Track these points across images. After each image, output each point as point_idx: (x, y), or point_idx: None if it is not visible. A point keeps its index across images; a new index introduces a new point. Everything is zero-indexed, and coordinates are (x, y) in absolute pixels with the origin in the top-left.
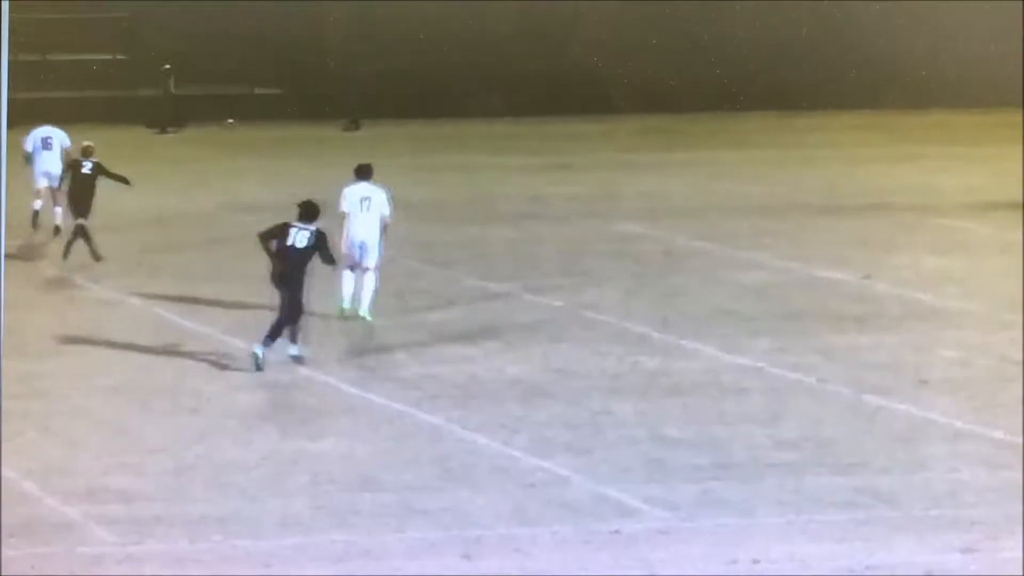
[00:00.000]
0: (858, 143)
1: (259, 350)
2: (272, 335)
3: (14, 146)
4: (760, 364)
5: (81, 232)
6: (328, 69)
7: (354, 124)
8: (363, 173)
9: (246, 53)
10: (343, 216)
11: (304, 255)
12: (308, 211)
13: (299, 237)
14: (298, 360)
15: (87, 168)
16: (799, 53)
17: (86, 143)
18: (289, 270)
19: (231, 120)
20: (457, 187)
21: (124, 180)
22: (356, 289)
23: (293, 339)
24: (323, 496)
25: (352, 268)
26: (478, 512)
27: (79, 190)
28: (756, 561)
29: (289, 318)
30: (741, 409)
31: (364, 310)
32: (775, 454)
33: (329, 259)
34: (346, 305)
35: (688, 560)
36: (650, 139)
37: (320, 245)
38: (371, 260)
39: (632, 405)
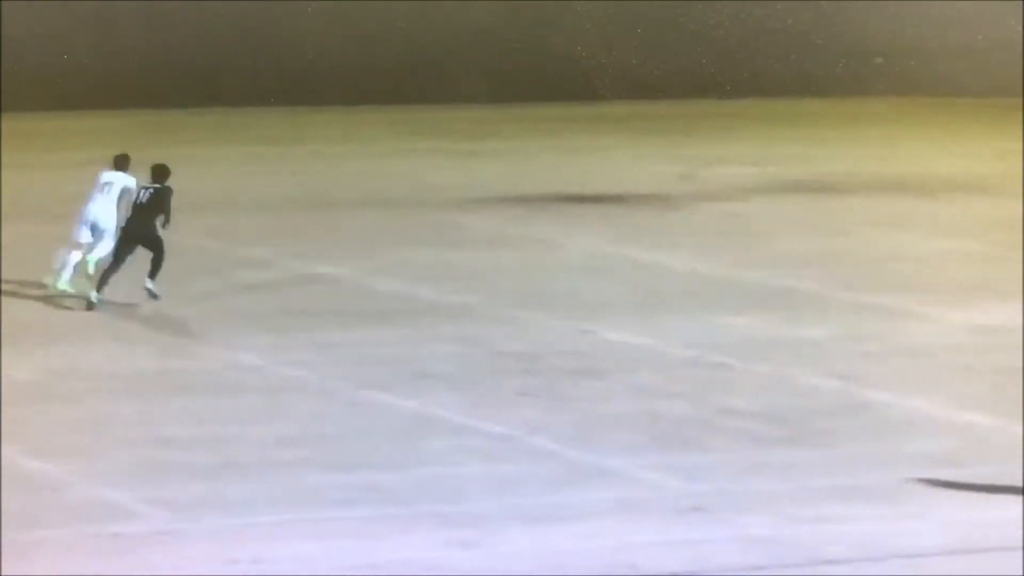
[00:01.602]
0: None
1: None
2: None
3: None
4: (261, 362)
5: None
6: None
7: None
8: (119, 163)
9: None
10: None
11: (150, 210)
12: (157, 172)
13: (145, 195)
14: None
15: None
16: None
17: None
18: (138, 223)
19: None
20: None
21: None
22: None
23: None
24: None
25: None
26: None
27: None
28: (257, 560)
29: (156, 258)
30: (242, 407)
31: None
32: (276, 452)
33: (165, 218)
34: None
35: (189, 561)
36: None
37: (162, 200)
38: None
39: (132, 406)
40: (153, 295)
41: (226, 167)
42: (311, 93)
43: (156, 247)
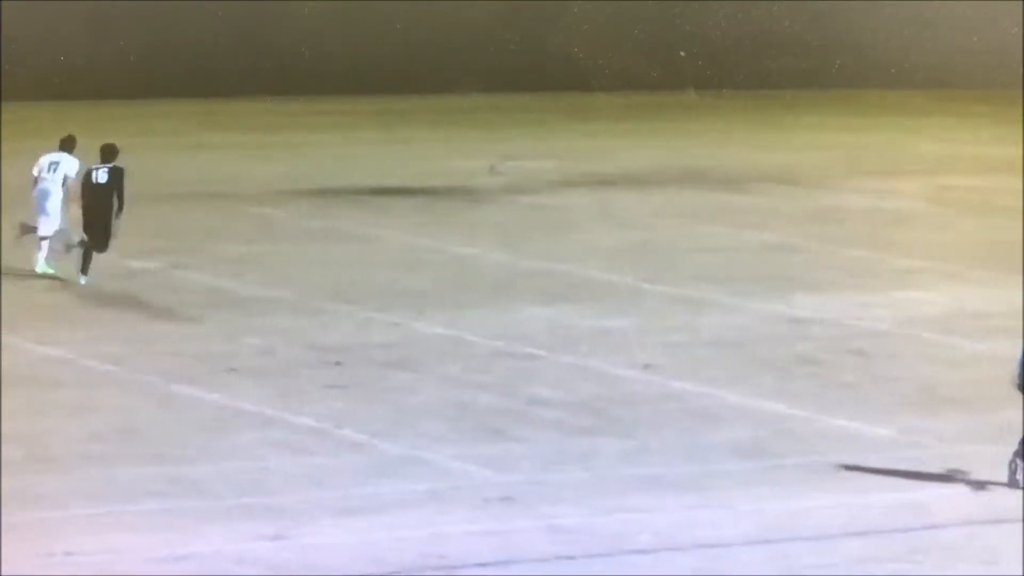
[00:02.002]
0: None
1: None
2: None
3: None
4: (71, 355)
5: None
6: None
7: None
8: (65, 144)
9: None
10: (34, 179)
11: (105, 190)
12: (107, 152)
13: (99, 174)
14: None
15: (101, 175)
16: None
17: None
18: (99, 204)
19: None
20: None
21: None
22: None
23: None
24: None
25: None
26: None
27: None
28: (70, 554)
29: (95, 246)
30: (54, 401)
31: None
32: (88, 446)
33: (119, 197)
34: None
35: (2, 555)
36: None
37: (115, 180)
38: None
39: None
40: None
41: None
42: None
43: (105, 230)
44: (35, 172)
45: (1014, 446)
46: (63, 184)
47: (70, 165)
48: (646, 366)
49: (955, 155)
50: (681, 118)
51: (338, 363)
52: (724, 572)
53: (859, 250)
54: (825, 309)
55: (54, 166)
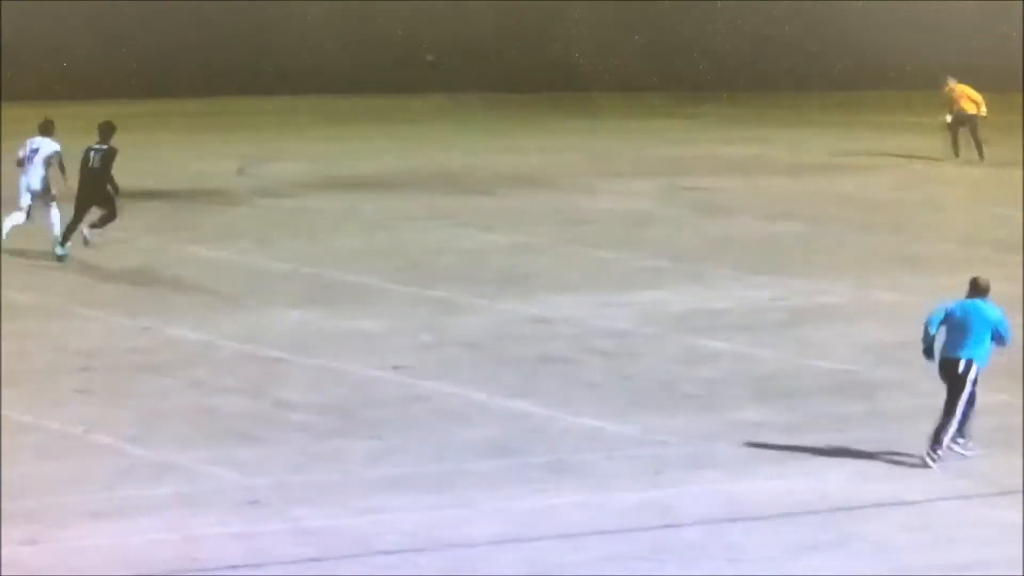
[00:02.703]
0: None
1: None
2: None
3: None
4: None
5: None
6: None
7: None
8: (44, 129)
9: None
10: (19, 163)
11: (101, 173)
12: (104, 131)
13: (95, 158)
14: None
15: (96, 158)
16: None
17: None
18: (94, 184)
19: None
20: None
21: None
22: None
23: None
24: None
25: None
26: None
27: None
28: None
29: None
30: None
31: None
32: None
33: (109, 178)
34: None
35: None
36: None
37: (106, 161)
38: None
39: None
40: (86, 241)
41: None
42: None
43: (109, 205)
44: (20, 154)
45: (757, 441)
46: (44, 164)
47: (51, 148)
48: (394, 367)
49: (695, 156)
50: (430, 121)
51: (87, 368)
52: (471, 572)
53: (603, 251)
54: (570, 309)
55: (35, 152)
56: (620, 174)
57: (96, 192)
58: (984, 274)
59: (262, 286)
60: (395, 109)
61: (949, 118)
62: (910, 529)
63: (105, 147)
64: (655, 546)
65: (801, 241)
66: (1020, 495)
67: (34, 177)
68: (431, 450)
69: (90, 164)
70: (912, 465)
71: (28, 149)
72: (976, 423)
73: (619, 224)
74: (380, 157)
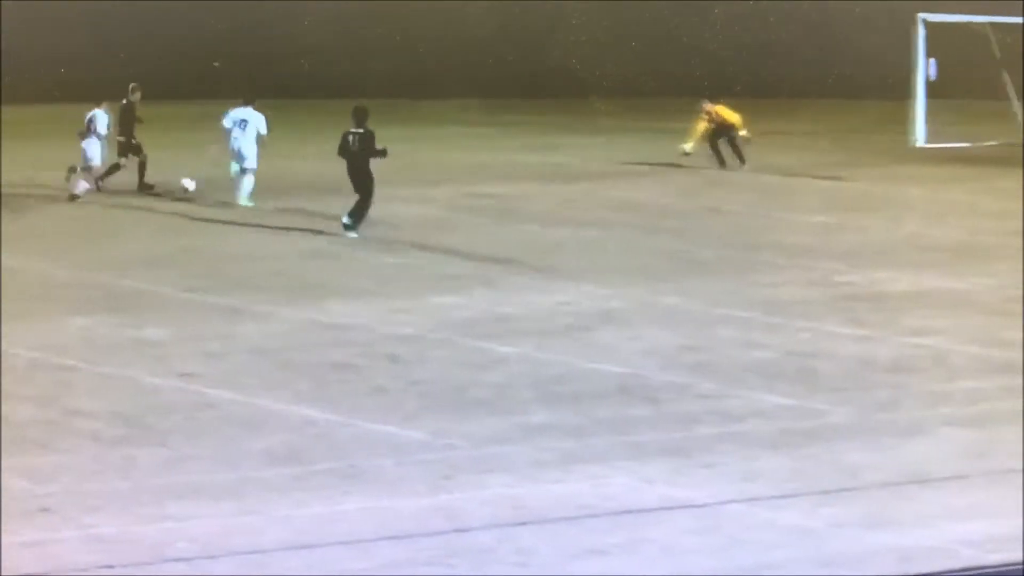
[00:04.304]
0: None
1: (347, 220)
2: (356, 216)
3: None
4: None
5: None
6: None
7: None
8: (246, 101)
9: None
10: (224, 130)
11: (362, 155)
12: (358, 115)
13: (354, 140)
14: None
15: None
16: None
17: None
18: (357, 167)
19: None
20: None
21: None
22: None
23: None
24: None
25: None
26: None
27: None
28: None
29: (363, 202)
30: None
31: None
32: None
33: (376, 153)
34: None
35: None
36: None
37: (367, 143)
38: (249, 164)
39: None
40: (348, 227)
41: None
42: None
43: (366, 190)
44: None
45: (544, 445)
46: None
47: (255, 119)
48: (183, 375)
49: (488, 164)
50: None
51: None
52: None
53: (395, 256)
54: (360, 315)
55: (243, 123)
56: (416, 180)
57: (362, 174)
58: (769, 279)
59: (50, 294)
60: (198, 116)
61: (690, 144)
62: (697, 532)
63: (362, 131)
64: (445, 551)
65: (588, 247)
66: (805, 498)
67: (247, 146)
68: (221, 457)
69: (352, 146)
70: (699, 467)
71: (233, 119)
72: (762, 427)
73: (413, 229)
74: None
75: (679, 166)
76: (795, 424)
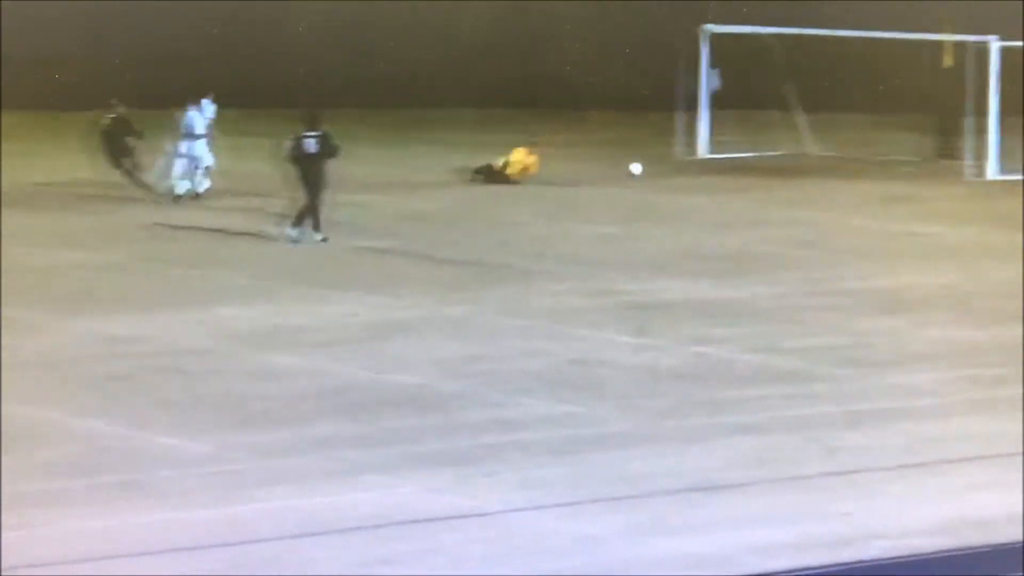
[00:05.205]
0: None
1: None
2: (300, 221)
3: None
4: None
5: None
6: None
7: None
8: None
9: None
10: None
11: (321, 157)
12: (311, 119)
13: (313, 143)
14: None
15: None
16: None
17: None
18: (307, 169)
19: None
20: None
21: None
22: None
23: (314, 226)
24: None
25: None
26: None
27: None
28: None
29: (312, 205)
30: None
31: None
32: None
33: (332, 152)
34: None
35: None
36: None
37: (327, 144)
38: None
39: None
40: (295, 239)
41: None
42: None
43: (318, 192)
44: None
45: (331, 456)
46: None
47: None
48: None
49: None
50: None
51: None
52: None
53: (182, 268)
54: (146, 327)
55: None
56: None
57: (317, 176)
58: (553, 288)
59: None
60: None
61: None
62: (484, 540)
63: (318, 133)
64: (231, 563)
65: (378, 258)
66: (590, 506)
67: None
68: (4, 471)
69: (307, 151)
70: (486, 476)
71: (194, 121)
72: (547, 435)
73: (198, 242)
74: None
75: (464, 179)
76: (580, 432)
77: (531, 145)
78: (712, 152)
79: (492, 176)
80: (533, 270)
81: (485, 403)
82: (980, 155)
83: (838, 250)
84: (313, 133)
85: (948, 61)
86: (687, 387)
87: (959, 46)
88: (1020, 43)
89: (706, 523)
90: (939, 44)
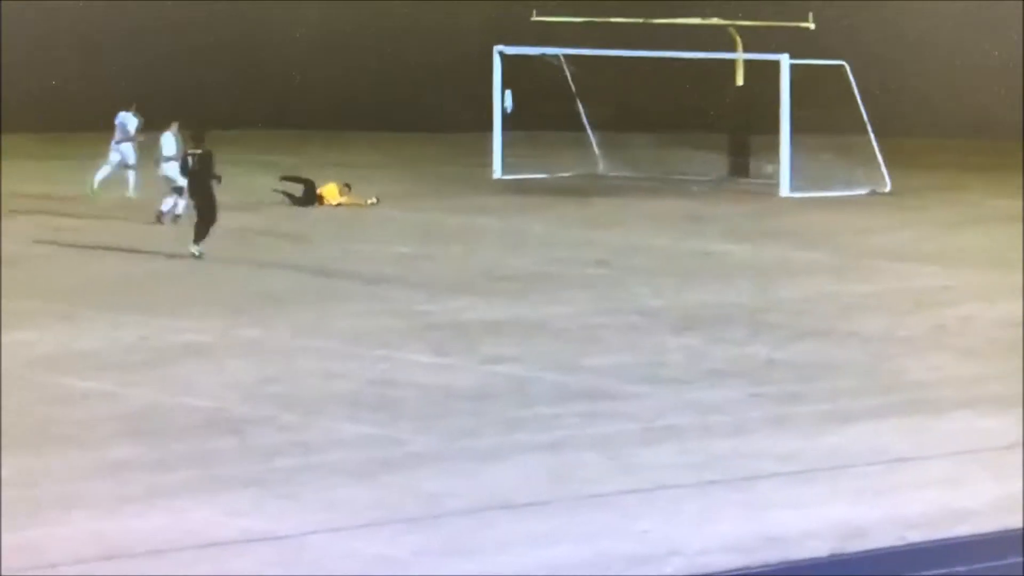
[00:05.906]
0: None
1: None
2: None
3: None
4: None
5: None
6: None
7: None
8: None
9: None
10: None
11: (202, 173)
12: (197, 137)
13: (194, 161)
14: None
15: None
16: None
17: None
18: (196, 186)
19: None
20: None
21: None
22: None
23: (194, 239)
24: None
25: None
26: None
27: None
28: None
29: (204, 221)
30: None
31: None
32: None
33: (213, 176)
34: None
35: None
36: None
37: (206, 163)
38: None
39: None
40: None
41: None
42: None
43: (209, 209)
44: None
45: (127, 479)
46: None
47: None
48: None
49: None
50: None
51: None
52: None
53: None
54: None
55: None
56: None
57: (204, 192)
58: (349, 309)
59: None
60: None
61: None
62: (280, 564)
63: (200, 151)
64: None
65: (168, 279)
66: (388, 527)
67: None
68: None
69: (192, 167)
70: (281, 498)
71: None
72: (344, 456)
73: None
74: None
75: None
76: (377, 453)
77: (345, 187)
78: (506, 172)
79: (298, 201)
80: (326, 291)
81: (281, 426)
82: (772, 173)
83: (633, 269)
84: (195, 151)
85: (739, 79)
86: (484, 406)
87: (750, 64)
88: (811, 61)
89: (503, 542)
90: (731, 63)
